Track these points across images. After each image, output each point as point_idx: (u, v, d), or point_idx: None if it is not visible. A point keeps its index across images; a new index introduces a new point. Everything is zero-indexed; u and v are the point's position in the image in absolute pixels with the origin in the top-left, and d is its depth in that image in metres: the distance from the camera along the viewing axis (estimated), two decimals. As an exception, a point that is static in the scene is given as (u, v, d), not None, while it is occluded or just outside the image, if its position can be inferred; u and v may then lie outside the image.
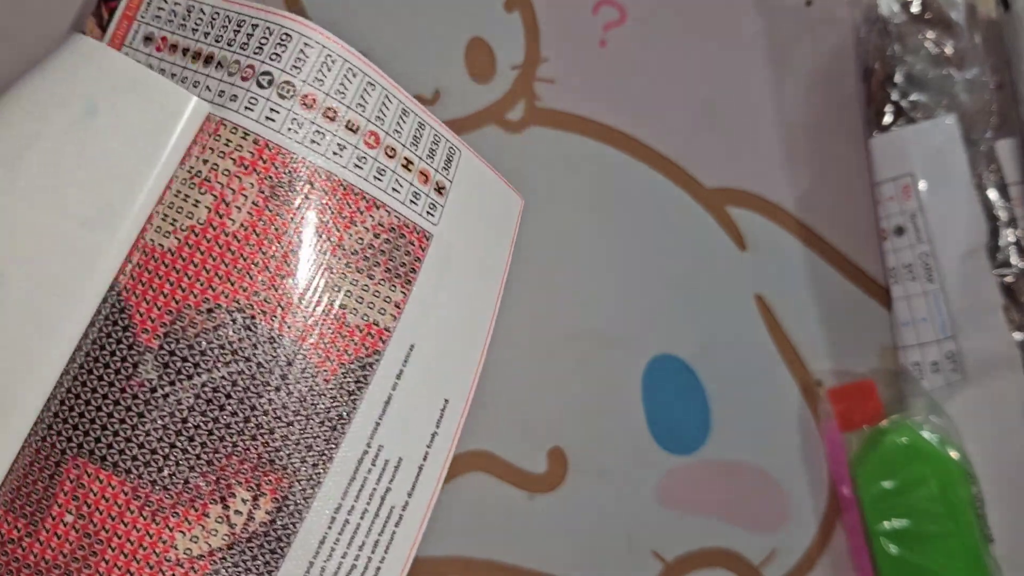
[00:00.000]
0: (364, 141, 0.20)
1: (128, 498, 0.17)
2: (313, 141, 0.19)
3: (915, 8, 0.38)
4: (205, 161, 0.18)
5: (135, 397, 0.17)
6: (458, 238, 0.21)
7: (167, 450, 0.17)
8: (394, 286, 0.20)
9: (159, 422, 0.18)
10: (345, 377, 0.19)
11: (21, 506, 0.17)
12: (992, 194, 0.38)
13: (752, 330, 0.39)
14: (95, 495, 0.17)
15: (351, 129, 0.20)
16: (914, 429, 0.37)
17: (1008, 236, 0.38)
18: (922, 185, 0.37)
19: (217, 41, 0.19)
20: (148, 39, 0.20)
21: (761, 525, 0.38)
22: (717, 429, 0.38)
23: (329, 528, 0.19)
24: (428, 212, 0.21)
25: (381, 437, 0.20)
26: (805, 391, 0.39)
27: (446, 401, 0.21)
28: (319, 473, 0.19)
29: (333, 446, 0.19)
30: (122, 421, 0.17)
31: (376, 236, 0.19)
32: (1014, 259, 0.38)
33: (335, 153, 0.19)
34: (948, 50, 0.38)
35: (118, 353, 0.18)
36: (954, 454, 0.37)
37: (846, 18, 0.40)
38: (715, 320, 0.39)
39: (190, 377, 0.18)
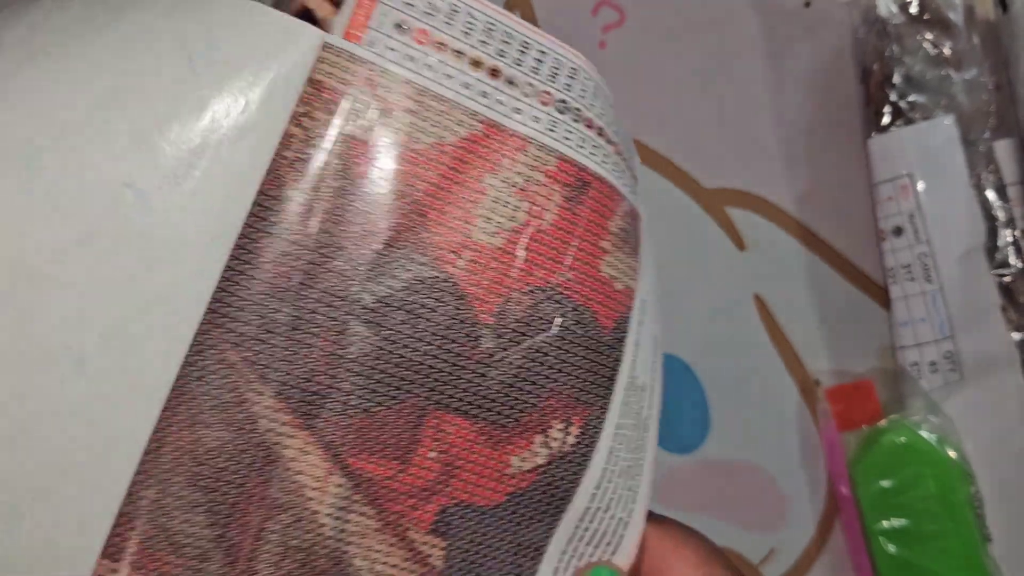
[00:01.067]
0: (615, 151, 0.25)
1: (476, 435, 0.23)
2: (592, 154, 0.24)
3: (913, 9, 0.38)
4: (519, 173, 0.23)
5: (479, 362, 0.23)
6: (645, 214, 0.27)
7: (504, 399, 0.23)
8: (632, 255, 0.25)
9: (498, 379, 0.23)
10: (616, 330, 0.25)
11: (391, 451, 0.23)
12: (990, 194, 0.38)
13: (751, 330, 0.39)
14: (451, 435, 0.23)
15: (610, 143, 0.25)
16: (912, 429, 0.37)
17: (1006, 236, 0.38)
18: (920, 185, 0.37)
19: (501, 56, 0.24)
20: (400, 27, 0.23)
21: (760, 524, 0.38)
22: (716, 428, 0.38)
23: (613, 442, 0.25)
24: (634, 196, 0.26)
25: (637, 369, 0.26)
26: (804, 391, 0.39)
27: (655, 338, 0.27)
28: (607, 402, 0.25)
29: (613, 380, 0.25)
30: (470, 381, 0.23)
31: (624, 220, 0.25)
32: (1012, 259, 0.38)
33: (604, 161, 0.25)
34: (946, 51, 0.38)
35: (463, 331, 0.23)
36: (952, 454, 0.37)
37: (845, 19, 0.40)
38: (714, 320, 0.39)
39: (519, 343, 0.23)
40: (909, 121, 0.38)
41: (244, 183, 0.21)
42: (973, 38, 0.38)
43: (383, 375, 0.23)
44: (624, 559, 0.26)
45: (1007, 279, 0.38)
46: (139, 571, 0.21)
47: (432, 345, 0.23)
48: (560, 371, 0.24)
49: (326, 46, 0.22)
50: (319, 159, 0.22)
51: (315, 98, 0.22)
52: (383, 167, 0.22)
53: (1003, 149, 0.38)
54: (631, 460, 0.25)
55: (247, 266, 0.22)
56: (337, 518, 0.23)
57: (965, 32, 0.38)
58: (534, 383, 0.23)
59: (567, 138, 0.24)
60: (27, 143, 0.21)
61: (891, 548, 0.37)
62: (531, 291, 0.23)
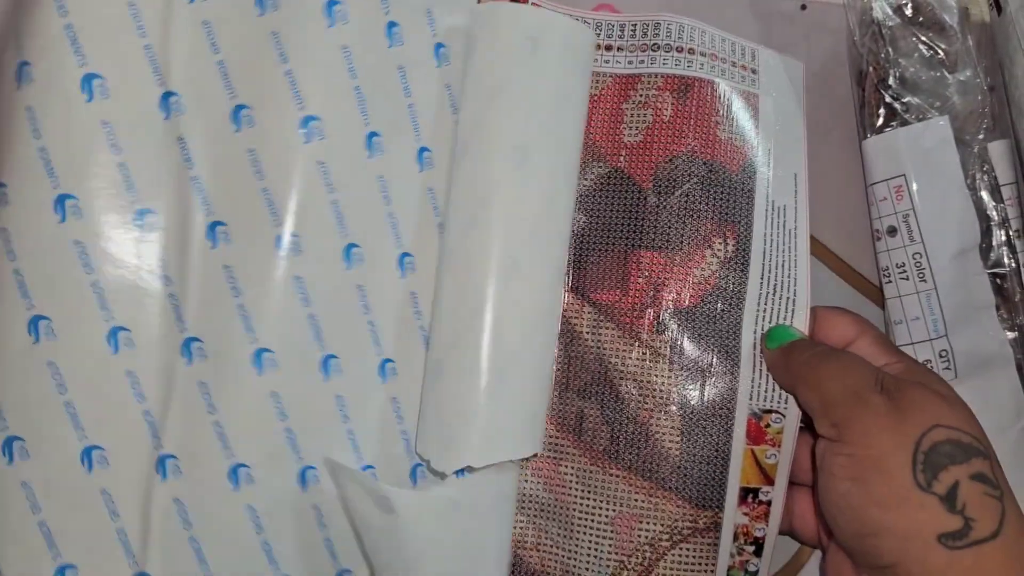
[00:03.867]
0: (711, 58, 0.38)
1: (665, 260, 0.36)
2: (688, 65, 0.37)
3: (908, 11, 0.39)
4: (640, 96, 0.37)
5: (650, 212, 0.36)
6: (770, 92, 0.39)
7: (679, 230, 0.36)
8: (749, 122, 0.38)
9: (667, 219, 0.36)
10: (744, 171, 0.37)
11: (614, 284, 0.36)
12: (984, 195, 0.38)
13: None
14: (649, 263, 0.36)
15: (703, 55, 0.38)
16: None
17: (1000, 236, 0.38)
18: (915, 186, 0.38)
19: (610, 37, 0.38)
20: None
21: (756, 520, 0.39)
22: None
23: (765, 244, 0.36)
24: (748, 83, 0.38)
25: (772, 194, 0.37)
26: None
27: (795, 174, 0.38)
28: (750, 218, 0.36)
29: (751, 203, 0.37)
30: (649, 225, 0.36)
31: (731, 99, 0.37)
32: (1006, 259, 0.38)
33: (700, 67, 0.37)
34: (941, 53, 0.39)
35: (635, 197, 0.36)
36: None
37: (840, 22, 0.41)
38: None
39: (672, 192, 0.36)
40: (904, 122, 0.38)
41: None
42: (968, 40, 0.39)
43: (594, 234, 0.36)
44: (800, 324, 0.35)
45: (1001, 278, 0.38)
46: None
47: (619, 210, 0.36)
48: (706, 204, 0.36)
49: None
50: None
51: None
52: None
53: (997, 150, 0.38)
54: (784, 257, 0.36)
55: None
56: (594, 333, 0.36)
57: (960, 34, 0.39)
58: (691, 216, 0.36)
59: (664, 63, 0.37)
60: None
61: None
62: (670, 159, 0.36)
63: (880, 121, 0.39)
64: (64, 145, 0.28)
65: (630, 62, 0.37)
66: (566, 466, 0.35)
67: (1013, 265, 0.38)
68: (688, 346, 0.35)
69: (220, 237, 0.30)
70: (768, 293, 0.36)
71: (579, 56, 0.36)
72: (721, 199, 0.36)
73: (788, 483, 0.35)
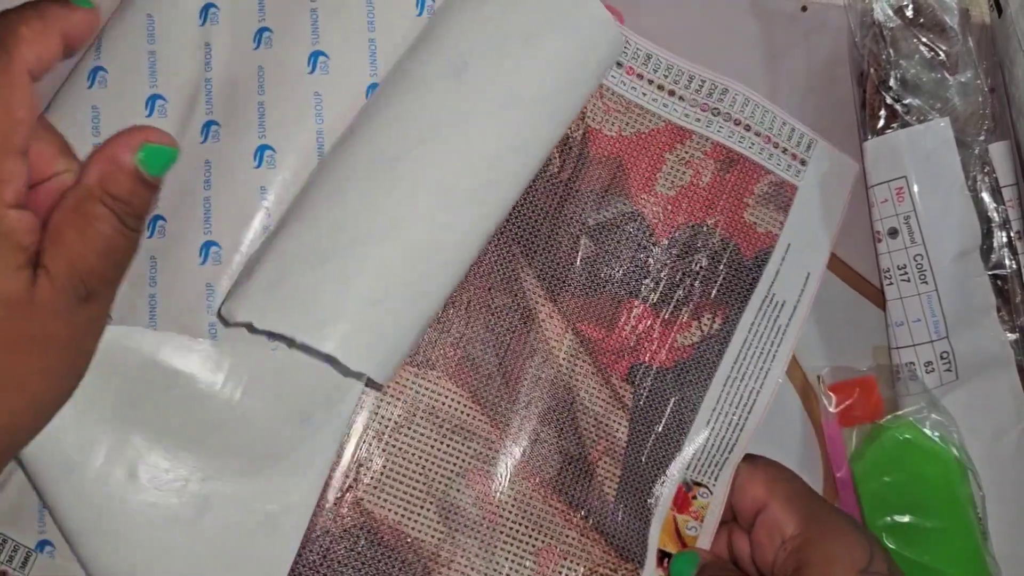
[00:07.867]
0: (764, 140, 0.38)
1: (654, 316, 0.37)
2: (740, 141, 0.38)
3: (909, 13, 0.39)
4: (686, 152, 0.37)
5: (652, 265, 0.37)
6: (812, 188, 0.39)
7: (673, 292, 0.37)
8: (779, 211, 0.38)
9: (668, 279, 0.37)
10: (756, 259, 0.38)
11: (602, 322, 0.36)
12: (985, 196, 0.38)
13: (749, 331, 0.39)
14: (640, 314, 0.36)
15: (757, 135, 0.38)
16: (916, 425, 0.37)
17: (1001, 237, 0.38)
18: (916, 187, 0.38)
19: (675, 83, 0.37)
20: (618, 65, 0.37)
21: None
22: (715, 428, 0.39)
23: (749, 333, 0.37)
24: (791, 173, 0.38)
25: (775, 288, 0.38)
26: (801, 391, 0.40)
27: (809, 273, 0.38)
28: (744, 305, 0.37)
29: (751, 292, 0.37)
30: (651, 275, 0.36)
31: (769, 187, 0.38)
32: (1007, 260, 0.38)
33: (749, 147, 0.38)
34: (942, 54, 0.39)
35: (644, 245, 0.37)
36: (954, 451, 0.37)
37: (841, 23, 0.41)
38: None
39: (682, 258, 0.37)
40: (905, 124, 0.38)
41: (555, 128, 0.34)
42: (968, 41, 0.39)
43: (597, 271, 0.36)
44: (752, 424, 0.37)
45: (1002, 280, 0.38)
46: (451, 378, 0.35)
47: (628, 254, 0.37)
48: (709, 280, 0.37)
49: None
50: (574, 138, 0.37)
51: None
52: (605, 144, 0.37)
53: (998, 151, 0.38)
54: (765, 348, 0.38)
55: (528, 194, 0.35)
56: (570, 361, 0.36)
57: (960, 35, 0.39)
58: (692, 285, 0.37)
59: (719, 131, 0.37)
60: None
61: (891, 543, 0.37)
62: (692, 226, 0.37)
63: (881, 123, 0.39)
64: (111, 29, 0.33)
65: (686, 115, 0.37)
66: (506, 486, 0.35)
67: (1014, 267, 0.38)
68: (650, 403, 0.36)
69: (211, 135, 0.33)
70: (736, 379, 0.37)
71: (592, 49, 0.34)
72: (724, 279, 0.37)
73: None
